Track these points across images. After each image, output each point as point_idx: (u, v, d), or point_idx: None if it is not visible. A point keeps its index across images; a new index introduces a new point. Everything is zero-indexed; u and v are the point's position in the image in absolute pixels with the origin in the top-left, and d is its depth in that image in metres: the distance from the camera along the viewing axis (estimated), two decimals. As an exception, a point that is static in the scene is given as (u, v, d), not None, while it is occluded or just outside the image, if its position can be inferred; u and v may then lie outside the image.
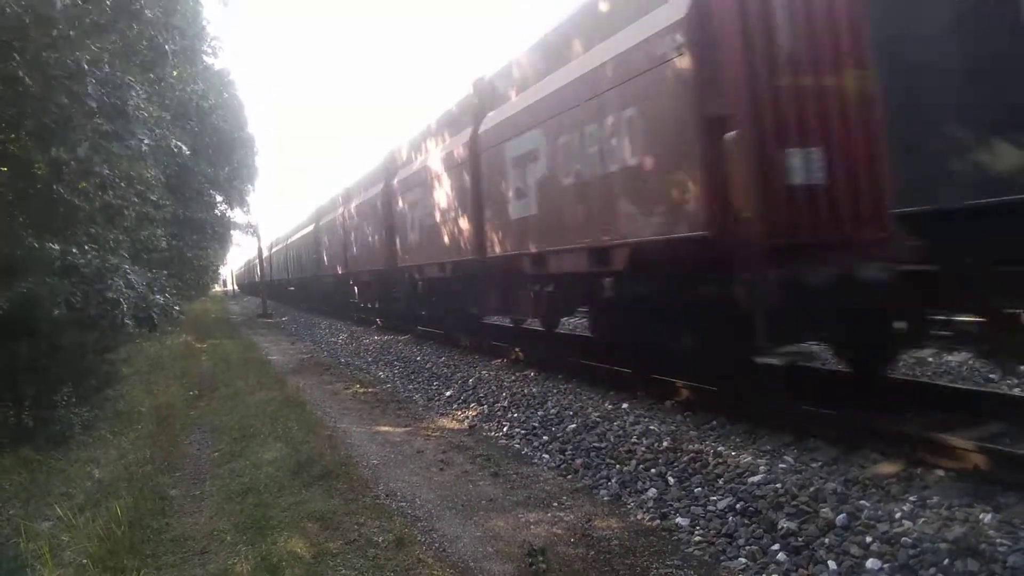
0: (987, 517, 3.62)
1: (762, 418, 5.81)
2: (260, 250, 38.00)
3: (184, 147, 11.23)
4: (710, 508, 4.49)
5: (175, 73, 12.99)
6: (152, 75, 9.83)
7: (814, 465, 4.82)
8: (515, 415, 7.50)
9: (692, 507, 4.58)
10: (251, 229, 31.48)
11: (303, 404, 8.80)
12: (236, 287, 76.44)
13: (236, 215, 28.86)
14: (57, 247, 7.51)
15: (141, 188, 9.96)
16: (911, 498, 4.04)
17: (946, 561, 3.29)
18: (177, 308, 11.81)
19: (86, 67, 6.69)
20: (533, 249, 8.59)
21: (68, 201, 7.64)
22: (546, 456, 6.19)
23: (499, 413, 7.74)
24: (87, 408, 8.20)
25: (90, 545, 4.47)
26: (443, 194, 12.08)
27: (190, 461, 6.94)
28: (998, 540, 3.35)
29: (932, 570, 3.28)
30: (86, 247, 8.11)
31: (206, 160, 20.56)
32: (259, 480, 5.77)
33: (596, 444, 6.06)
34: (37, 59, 6.48)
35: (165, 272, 15.88)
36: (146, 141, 7.95)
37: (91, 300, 7.60)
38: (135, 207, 9.63)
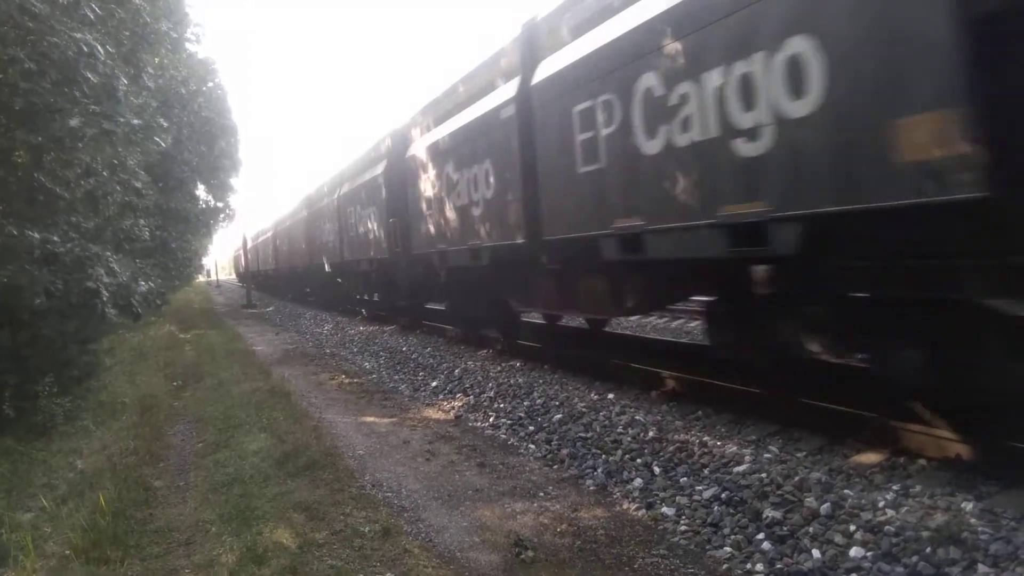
0: (969, 506, 3.67)
1: (748, 408, 5.86)
2: (245, 240, 37.83)
3: (167, 137, 11.15)
4: (695, 498, 4.51)
5: (157, 61, 12.84)
6: (132, 69, 9.71)
7: (799, 455, 4.86)
8: (501, 405, 7.50)
9: (678, 497, 4.60)
10: (233, 217, 31.22)
11: (288, 394, 8.76)
12: (233, 276, 74.13)
13: (220, 205, 28.66)
14: (38, 236, 7.40)
15: (125, 176, 9.81)
16: (894, 487, 4.08)
17: (928, 549, 3.33)
18: (160, 300, 11.97)
19: (85, 48, 6.61)
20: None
21: (49, 189, 7.54)
22: (532, 446, 6.20)
23: (485, 403, 7.74)
24: (69, 399, 8.11)
25: (73, 536, 4.43)
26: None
27: (174, 452, 6.90)
28: (980, 528, 3.39)
29: (915, 558, 3.31)
30: (70, 234, 8.01)
31: (189, 149, 20.33)
32: (244, 471, 5.75)
33: (582, 434, 6.08)
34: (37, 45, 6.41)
35: (151, 261, 15.80)
36: (135, 121, 7.85)
37: (71, 289, 7.50)
38: (118, 195, 9.49)
